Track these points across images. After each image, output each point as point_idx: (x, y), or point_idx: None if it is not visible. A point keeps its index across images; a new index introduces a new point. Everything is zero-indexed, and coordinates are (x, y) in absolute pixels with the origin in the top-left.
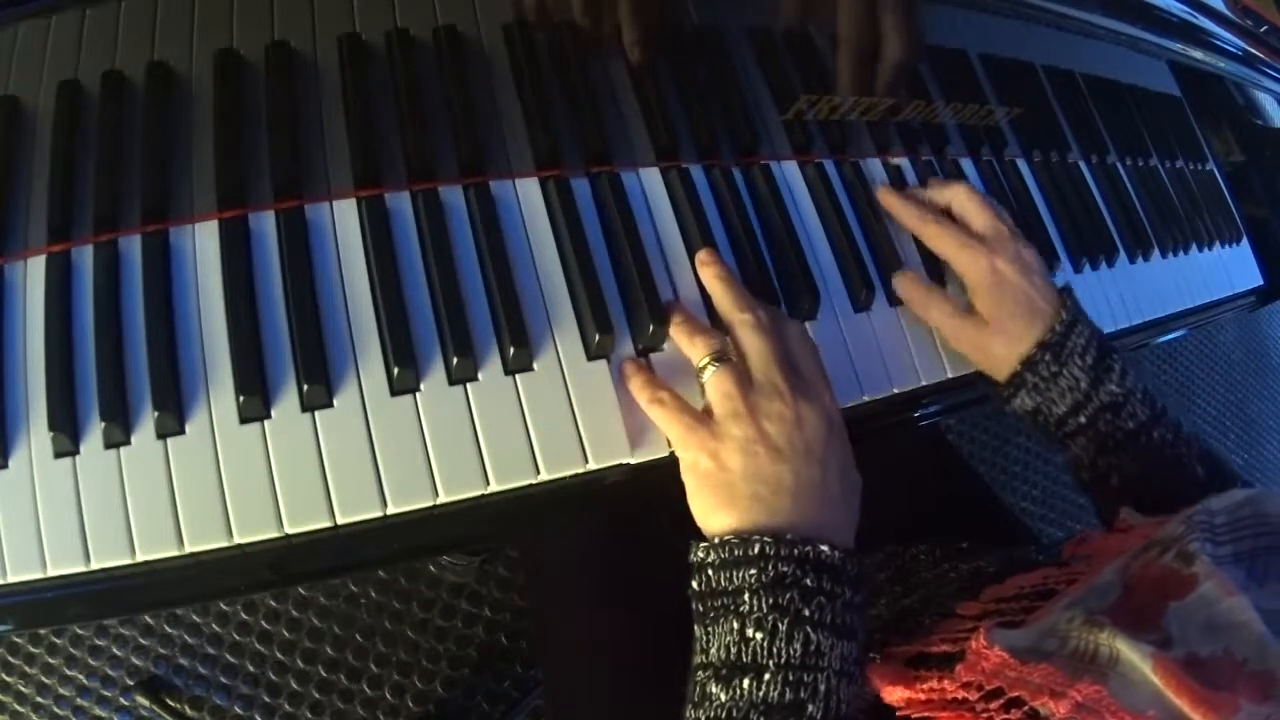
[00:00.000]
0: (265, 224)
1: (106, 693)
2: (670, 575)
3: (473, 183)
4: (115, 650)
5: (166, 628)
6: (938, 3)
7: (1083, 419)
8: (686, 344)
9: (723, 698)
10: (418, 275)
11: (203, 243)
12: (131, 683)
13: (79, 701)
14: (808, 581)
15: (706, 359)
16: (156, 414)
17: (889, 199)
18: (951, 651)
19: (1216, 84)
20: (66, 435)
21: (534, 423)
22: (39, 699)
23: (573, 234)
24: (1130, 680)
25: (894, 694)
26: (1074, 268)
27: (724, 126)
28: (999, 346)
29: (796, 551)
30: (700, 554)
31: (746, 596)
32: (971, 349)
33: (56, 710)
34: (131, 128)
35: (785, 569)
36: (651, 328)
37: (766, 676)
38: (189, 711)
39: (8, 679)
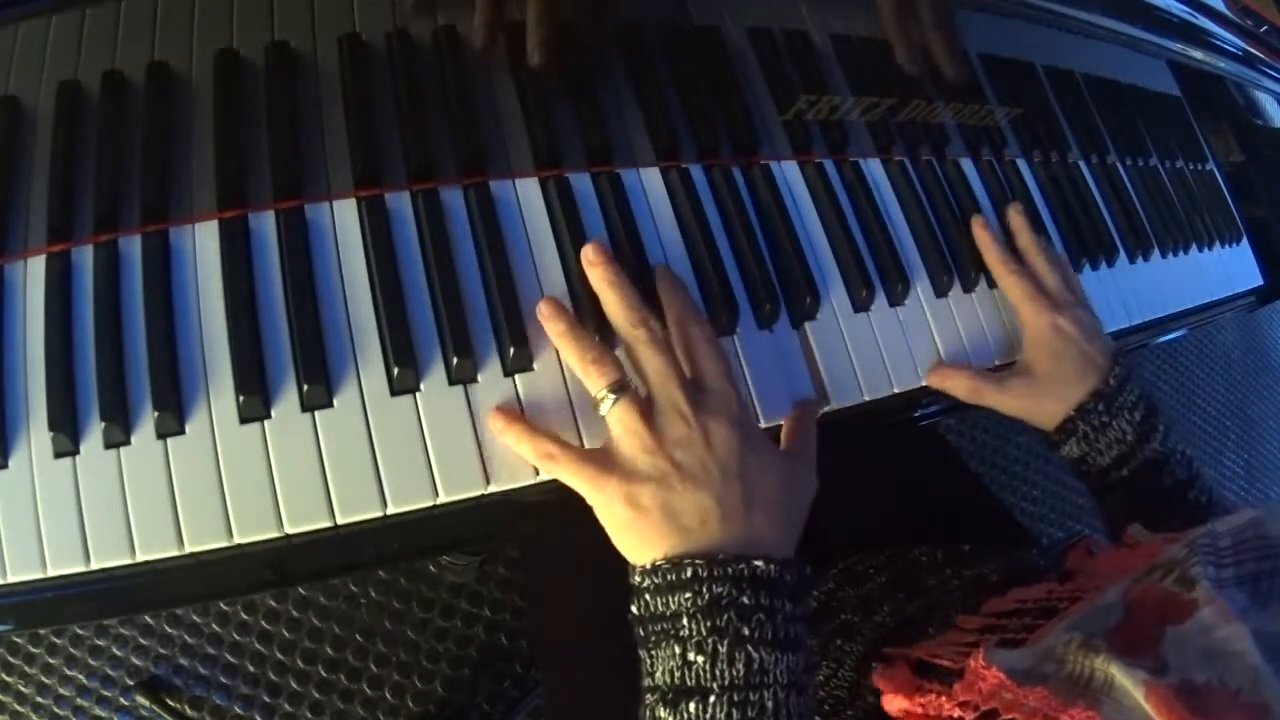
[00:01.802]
0: (265, 224)
1: (106, 693)
2: None
3: (472, 183)
4: (115, 650)
5: (166, 628)
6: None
7: (1125, 472)
8: (581, 373)
9: None
10: (418, 275)
11: (203, 243)
12: (131, 683)
13: (79, 701)
14: (744, 600)
15: (604, 390)
16: (156, 414)
17: (981, 233)
18: (953, 667)
19: (1216, 84)
20: (66, 435)
21: (535, 422)
22: (39, 699)
23: (573, 234)
24: (1124, 706)
25: (894, 703)
26: (1074, 268)
27: (724, 126)
28: (1051, 401)
29: (730, 570)
30: (636, 579)
31: (685, 620)
32: (1026, 410)
33: (56, 710)
34: (131, 128)
35: (720, 590)
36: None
37: (712, 699)
38: (189, 711)
39: (8, 679)
